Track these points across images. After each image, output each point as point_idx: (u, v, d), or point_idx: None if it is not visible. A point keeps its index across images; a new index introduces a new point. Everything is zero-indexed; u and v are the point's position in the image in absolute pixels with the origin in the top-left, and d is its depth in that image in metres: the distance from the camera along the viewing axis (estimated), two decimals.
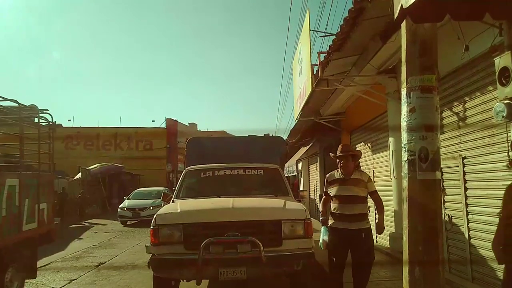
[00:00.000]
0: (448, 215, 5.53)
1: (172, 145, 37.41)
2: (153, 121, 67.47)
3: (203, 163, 6.86)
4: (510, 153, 4.20)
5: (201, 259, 4.38)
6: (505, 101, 3.74)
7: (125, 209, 17.84)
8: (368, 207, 9.48)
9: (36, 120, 6.97)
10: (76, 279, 7.08)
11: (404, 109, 2.83)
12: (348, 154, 4.72)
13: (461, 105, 5.26)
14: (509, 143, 4.14)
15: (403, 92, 2.85)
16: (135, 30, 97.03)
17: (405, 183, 2.80)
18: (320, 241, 4.84)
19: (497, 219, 4.50)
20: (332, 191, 4.78)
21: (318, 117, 11.50)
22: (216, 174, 6.50)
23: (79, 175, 24.07)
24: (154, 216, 4.87)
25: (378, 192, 5.10)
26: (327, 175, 4.95)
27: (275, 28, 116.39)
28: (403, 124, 2.83)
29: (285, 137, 14.31)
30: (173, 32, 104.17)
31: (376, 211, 5.17)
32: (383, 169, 8.52)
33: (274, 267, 4.55)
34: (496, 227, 4.53)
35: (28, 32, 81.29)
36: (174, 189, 6.60)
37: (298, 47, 9.98)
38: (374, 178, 9.14)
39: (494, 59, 3.93)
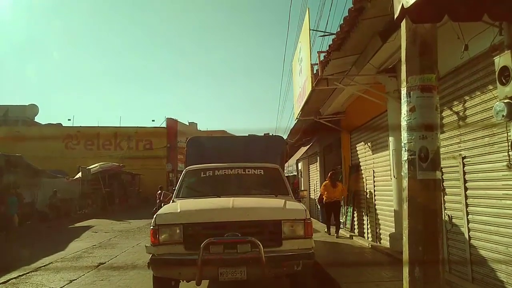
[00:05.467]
0: (448, 215, 5.53)
1: (172, 145, 37.45)
2: (153, 120, 67.54)
3: (203, 162, 6.84)
4: (510, 153, 4.20)
5: (201, 259, 4.37)
6: (505, 101, 3.73)
7: None
8: (369, 207, 9.47)
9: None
10: (76, 279, 7.07)
11: (404, 108, 2.82)
12: None
13: (461, 105, 5.25)
14: (509, 143, 4.14)
15: (403, 91, 2.84)
16: (135, 30, 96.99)
17: (405, 183, 2.80)
18: None
19: (497, 219, 4.52)
20: None
21: (318, 117, 11.50)
22: (216, 173, 6.49)
23: (79, 174, 24.06)
24: (154, 216, 4.86)
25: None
26: None
27: (275, 27, 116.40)
28: (403, 123, 2.82)
29: (285, 137, 14.31)
30: (173, 32, 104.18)
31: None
32: (383, 169, 8.52)
33: (274, 267, 4.54)
34: (496, 227, 4.56)
35: (28, 32, 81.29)
36: (174, 189, 6.60)
37: (298, 46, 9.98)
38: (374, 178, 9.15)
39: (494, 58, 3.93)
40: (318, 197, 12.22)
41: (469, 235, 5.09)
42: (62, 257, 9.49)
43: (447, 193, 5.58)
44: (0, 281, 7.01)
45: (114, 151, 36.49)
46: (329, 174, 10.97)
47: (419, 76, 2.75)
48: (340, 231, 11.44)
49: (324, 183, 11.08)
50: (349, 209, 11.18)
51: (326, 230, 10.94)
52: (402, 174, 2.84)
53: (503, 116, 3.75)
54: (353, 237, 10.64)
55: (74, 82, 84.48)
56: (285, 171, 9.53)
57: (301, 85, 9.55)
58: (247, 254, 4.49)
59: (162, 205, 6.06)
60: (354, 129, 10.73)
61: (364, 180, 10.04)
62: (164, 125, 38.87)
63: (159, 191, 18.05)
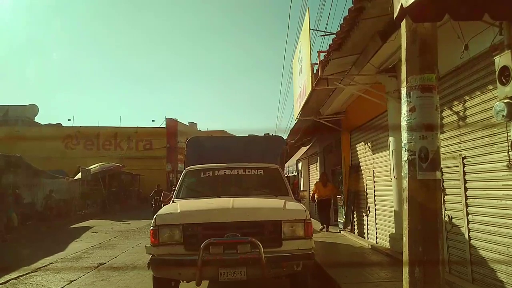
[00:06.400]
0: (448, 216, 5.52)
1: (172, 145, 37.42)
2: (153, 120, 67.63)
3: (203, 163, 6.84)
4: (510, 153, 4.19)
5: (201, 259, 4.37)
6: (505, 100, 3.73)
7: None
8: (369, 207, 9.53)
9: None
10: (75, 279, 7.06)
11: (404, 108, 2.81)
12: None
13: (461, 105, 5.24)
14: (509, 143, 4.13)
15: (403, 91, 2.84)
16: (135, 30, 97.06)
17: (405, 183, 2.79)
18: None
19: (497, 220, 4.51)
20: None
21: (318, 117, 11.48)
22: (216, 174, 6.48)
23: (79, 175, 24.04)
24: (154, 217, 4.86)
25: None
26: None
27: (275, 27, 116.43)
28: (403, 123, 2.81)
29: (285, 137, 14.29)
30: (173, 32, 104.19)
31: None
32: (383, 169, 8.51)
33: (274, 267, 4.53)
34: (496, 228, 4.55)
35: (28, 32, 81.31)
36: (174, 189, 6.58)
37: (298, 46, 9.96)
38: (374, 178, 9.14)
39: (494, 58, 3.92)
40: (311, 195, 13.39)
41: (469, 236, 5.08)
42: (62, 257, 9.48)
43: (447, 193, 5.57)
44: (0, 282, 7.00)
45: (114, 151, 36.46)
46: (320, 174, 13.10)
47: (419, 76, 2.75)
48: (330, 227, 11.98)
49: (315, 183, 12.91)
50: (349, 209, 11.17)
51: (320, 228, 11.77)
52: (402, 174, 2.83)
53: (503, 116, 3.74)
54: (341, 231, 11.11)
55: (74, 82, 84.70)
56: (285, 171, 9.53)
57: (301, 85, 9.53)
58: (247, 254, 4.49)
59: (162, 205, 6.05)
60: (354, 129, 10.72)
61: (364, 180, 10.03)
62: (164, 125, 38.84)
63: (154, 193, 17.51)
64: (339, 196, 12.28)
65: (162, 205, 6.21)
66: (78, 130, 37.24)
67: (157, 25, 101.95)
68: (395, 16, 2.65)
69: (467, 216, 5.10)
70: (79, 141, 36.76)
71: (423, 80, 2.73)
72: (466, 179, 5.12)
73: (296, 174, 22.36)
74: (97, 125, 38.50)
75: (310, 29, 8.03)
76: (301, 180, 20.31)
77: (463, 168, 5.16)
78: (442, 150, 3.24)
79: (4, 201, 14.63)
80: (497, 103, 3.83)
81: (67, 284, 6.78)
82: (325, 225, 11.90)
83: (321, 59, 7.62)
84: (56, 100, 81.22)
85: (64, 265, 8.57)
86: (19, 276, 7.44)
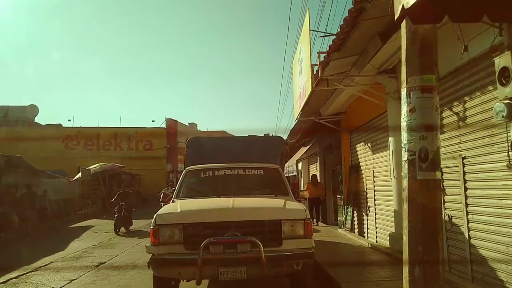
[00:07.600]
0: (448, 215, 5.53)
1: (172, 145, 37.45)
2: (153, 121, 67.66)
3: (203, 163, 6.85)
4: (510, 153, 4.21)
5: (201, 259, 4.38)
6: (505, 101, 3.74)
7: None
8: (369, 207, 9.56)
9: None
10: (76, 279, 7.08)
11: (404, 109, 2.83)
12: None
13: (461, 105, 5.26)
14: (509, 143, 4.15)
15: (403, 92, 2.85)
16: (135, 30, 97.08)
17: (405, 183, 2.80)
18: None
19: (497, 219, 4.52)
20: None
21: (318, 117, 11.50)
22: (216, 174, 6.49)
23: (79, 175, 24.03)
24: (154, 216, 4.87)
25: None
26: None
27: (275, 28, 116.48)
28: (403, 124, 2.83)
29: (285, 137, 14.31)
30: (173, 32, 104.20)
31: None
32: (383, 169, 8.53)
33: (274, 267, 4.55)
34: (496, 227, 4.56)
35: (28, 32, 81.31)
36: (174, 189, 6.59)
37: (298, 47, 9.98)
38: (374, 178, 9.16)
39: (494, 59, 3.94)
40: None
41: (469, 235, 5.10)
42: (62, 256, 9.49)
43: (447, 193, 5.59)
44: (0, 281, 7.01)
45: (114, 152, 36.46)
46: (311, 176, 14.84)
47: (419, 77, 2.76)
48: (329, 227, 12.37)
49: (307, 183, 14.87)
50: (349, 209, 11.19)
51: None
52: (402, 174, 2.85)
53: (503, 116, 3.76)
54: (338, 229, 11.33)
55: (74, 82, 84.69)
56: (285, 172, 9.55)
57: (301, 86, 9.54)
58: (247, 253, 4.50)
59: (162, 205, 6.06)
60: (354, 130, 10.74)
61: (364, 180, 10.04)
62: (164, 125, 38.87)
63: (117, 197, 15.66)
64: (339, 196, 12.31)
65: (162, 204, 6.21)
66: (78, 130, 37.25)
67: (157, 25, 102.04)
68: (395, 17, 2.66)
69: (467, 216, 5.11)
70: (79, 141, 36.79)
71: (423, 81, 2.75)
72: (466, 179, 5.14)
73: (296, 174, 22.37)
74: (97, 126, 38.54)
75: (310, 30, 8.04)
76: (301, 180, 20.32)
77: (463, 168, 5.18)
78: (442, 150, 3.26)
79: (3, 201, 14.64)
80: (497, 103, 3.85)
81: (67, 283, 6.79)
82: (315, 220, 12.98)
83: (321, 60, 7.64)
84: (56, 101, 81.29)
85: (64, 264, 8.58)
86: (20, 275, 7.45)
